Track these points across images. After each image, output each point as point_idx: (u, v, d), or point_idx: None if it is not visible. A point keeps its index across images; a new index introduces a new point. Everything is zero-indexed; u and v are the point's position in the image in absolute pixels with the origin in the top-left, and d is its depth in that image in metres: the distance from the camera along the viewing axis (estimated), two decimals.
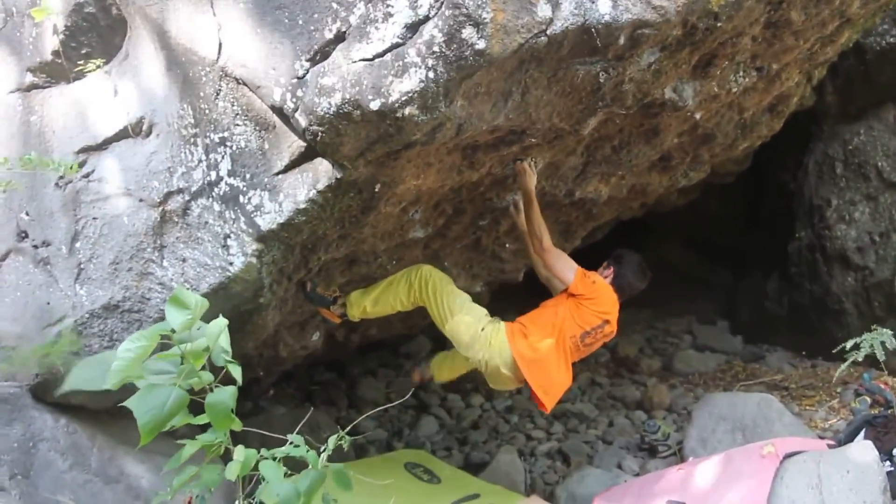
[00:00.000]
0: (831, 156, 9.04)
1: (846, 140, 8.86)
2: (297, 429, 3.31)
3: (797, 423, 6.79)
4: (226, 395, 2.96)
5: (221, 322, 3.07)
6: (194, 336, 3.03)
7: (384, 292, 5.44)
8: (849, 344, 6.67)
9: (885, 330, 6.77)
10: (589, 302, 5.15)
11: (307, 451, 3.10)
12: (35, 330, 5.21)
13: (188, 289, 4.64)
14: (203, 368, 3.00)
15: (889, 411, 5.88)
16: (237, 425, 3.05)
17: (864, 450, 5.01)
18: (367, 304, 5.46)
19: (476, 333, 5.14)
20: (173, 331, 2.95)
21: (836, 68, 8.22)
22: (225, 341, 3.05)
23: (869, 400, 6.48)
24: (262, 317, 5.02)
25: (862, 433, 5.78)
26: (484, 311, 5.30)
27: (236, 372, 3.03)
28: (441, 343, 9.78)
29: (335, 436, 3.31)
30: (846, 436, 5.90)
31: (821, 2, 4.98)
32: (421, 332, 9.70)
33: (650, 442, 7.37)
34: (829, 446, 5.56)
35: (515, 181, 5.48)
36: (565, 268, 5.20)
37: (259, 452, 3.04)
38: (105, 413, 5.22)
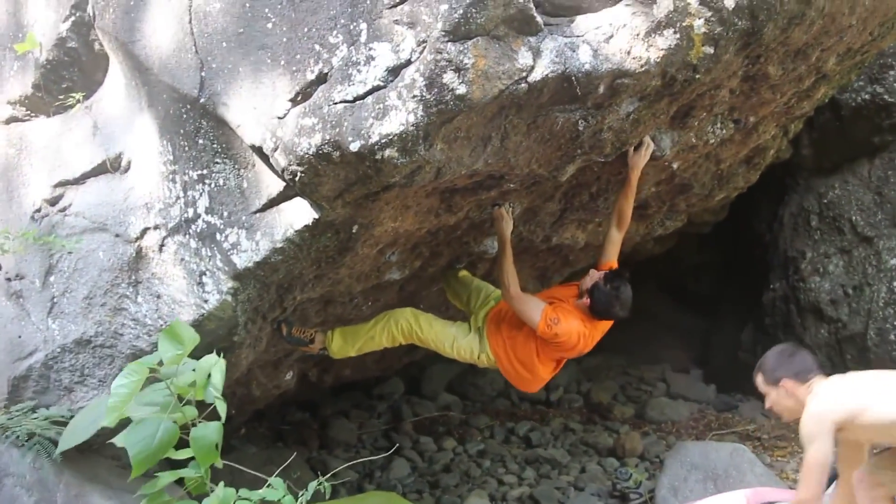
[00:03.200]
0: (806, 209, 9.10)
1: (821, 193, 8.93)
2: (277, 472, 3.30)
3: (769, 473, 6.78)
4: (211, 430, 2.97)
5: (213, 358, 3.08)
6: (182, 370, 3.05)
7: (367, 343, 5.57)
8: None
9: None
10: (555, 345, 5.27)
11: (284, 495, 3.09)
12: (5, 363, 5.16)
13: (161, 326, 4.62)
14: (189, 403, 3.01)
15: None
16: (218, 461, 3.06)
17: None
18: (352, 353, 5.64)
19: (474, 358, 5.53)
20: (161, 363, 2.98)
21: (813, 123, 8.30)
22: (218, 378, 3.06)
23: None
24: (235, 355, 4.99)
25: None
26: (472, 335, 5.55)
27: (222, 409, 3.03)
28: (415, 386, 9.79)
29: (315, 482, 3.31)
30: None
31: (798, 57, 5.03)
32: (395, 374, 9.66)
33: (622, 489, 7.34)
34: None
35: (493, 226, 5.50)
36: (532, 312, 5.21)
37: (237, 491, 3.04)
38: (73, 449, 5.14)
